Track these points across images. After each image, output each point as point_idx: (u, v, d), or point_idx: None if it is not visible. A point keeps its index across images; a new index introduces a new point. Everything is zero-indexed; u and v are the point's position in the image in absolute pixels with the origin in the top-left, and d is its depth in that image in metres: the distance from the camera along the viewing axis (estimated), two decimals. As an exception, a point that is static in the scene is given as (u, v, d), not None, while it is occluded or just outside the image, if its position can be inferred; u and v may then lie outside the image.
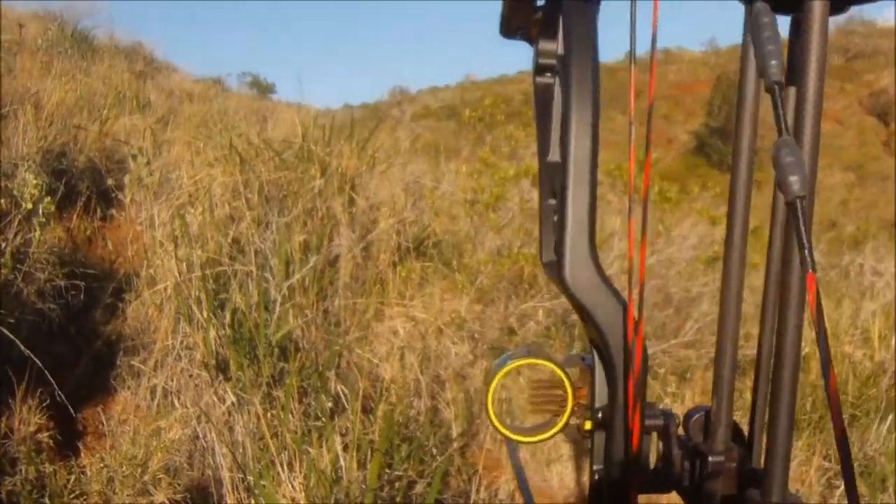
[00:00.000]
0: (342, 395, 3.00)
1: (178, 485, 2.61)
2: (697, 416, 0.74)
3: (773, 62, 0.53)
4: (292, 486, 2.47)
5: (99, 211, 4.18)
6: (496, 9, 0.82)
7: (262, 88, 18.30)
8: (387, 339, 3.43)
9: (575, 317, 3.57)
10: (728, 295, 0.71)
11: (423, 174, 4.85)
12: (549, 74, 0.79)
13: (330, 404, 2.93)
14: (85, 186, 4.21)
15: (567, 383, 0.76)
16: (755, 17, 0.56)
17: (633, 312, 0.71)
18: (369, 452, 2.61)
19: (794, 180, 0.49)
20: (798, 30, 0.61)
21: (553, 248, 0.74)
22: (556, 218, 0.74)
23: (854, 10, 0.65)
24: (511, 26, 0.83)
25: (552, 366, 0.77)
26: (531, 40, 0.82)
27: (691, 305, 4.27)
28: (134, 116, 5.68)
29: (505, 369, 0.77)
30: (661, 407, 0.75)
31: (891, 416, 4.61)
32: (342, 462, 2.52)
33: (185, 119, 6.63)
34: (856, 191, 26.24)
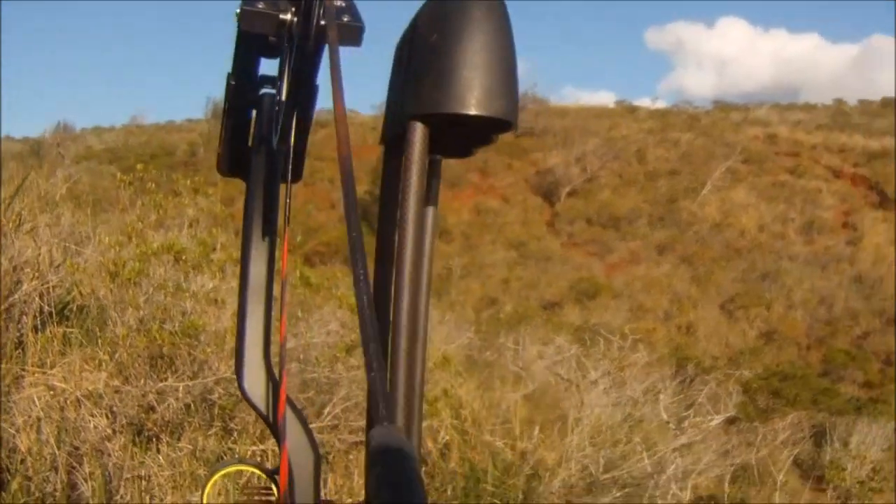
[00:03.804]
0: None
1: None
2: None
3: None
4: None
5: None
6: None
7: None
8: (24, 409, 3.59)
9: (214, 395, 4.01)
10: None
11: (70, 236, 4.95)
12: None
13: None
14: None
15: (274, 487, 0.85)
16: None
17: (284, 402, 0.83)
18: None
19: None
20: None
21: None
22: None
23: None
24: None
25: (259, 472, 0.87)
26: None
27: (332, 390, 4.75)
28: None
29: (217, 474, 0.88)
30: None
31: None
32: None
33: None
34: (517, 269, 25.49)
